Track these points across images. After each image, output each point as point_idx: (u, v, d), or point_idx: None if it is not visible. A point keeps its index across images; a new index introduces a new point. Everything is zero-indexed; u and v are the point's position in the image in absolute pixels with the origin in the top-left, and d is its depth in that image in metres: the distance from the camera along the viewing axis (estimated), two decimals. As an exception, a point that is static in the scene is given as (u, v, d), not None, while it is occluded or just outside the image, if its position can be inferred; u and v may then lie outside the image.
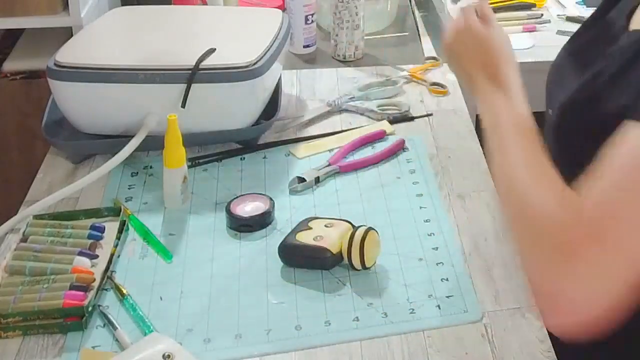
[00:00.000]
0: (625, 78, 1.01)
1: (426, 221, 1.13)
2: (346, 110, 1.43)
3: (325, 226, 1.07)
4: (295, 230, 1.07)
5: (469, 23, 1.17)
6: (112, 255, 1.05)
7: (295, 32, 1.65)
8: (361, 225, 1.04)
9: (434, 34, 1.82)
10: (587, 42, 1.19)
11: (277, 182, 1.22)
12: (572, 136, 1.10)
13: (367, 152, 1.29)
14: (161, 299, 1.00)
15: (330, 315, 0.97)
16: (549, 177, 0.96)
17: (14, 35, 2.06)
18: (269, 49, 1.29)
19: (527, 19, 1.90)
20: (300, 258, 1.04)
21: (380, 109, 1.41)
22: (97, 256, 1.05)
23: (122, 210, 1.13)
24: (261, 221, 1.12)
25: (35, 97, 1.86)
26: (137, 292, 1.01)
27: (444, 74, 1.55)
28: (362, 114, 1.41)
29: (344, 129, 1.37)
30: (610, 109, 1.00)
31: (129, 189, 1.21)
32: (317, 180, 1.22)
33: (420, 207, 1.16)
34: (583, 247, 0.87)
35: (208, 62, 1.23)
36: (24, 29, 2.04)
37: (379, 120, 1.39)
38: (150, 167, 1.26)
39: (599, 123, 0.98)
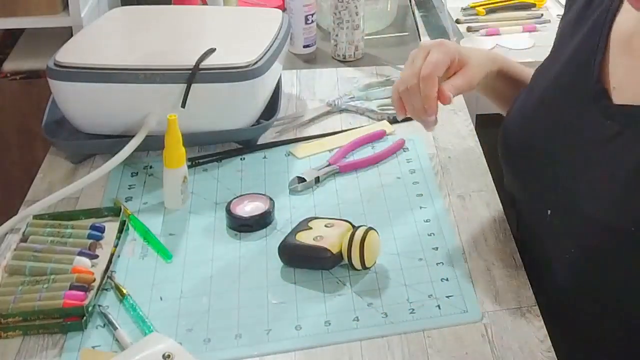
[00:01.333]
0: None
1: (426, 221, 1.13)
2: (346, 110, 1.43)
3: (325, 226, 1.07)
4: (295, 230, 1.06)
5: None
6: (112, 255, 1.06)
7: (295, 32, 1.65)
8: (361, 225, 1.04)
9: (433, 34, 1.82)
10: (563, 108, 1.03)
11: (277, 182, 1.22)
12: None
13: (367, 152, 1.29)
14: (161, 299, 1.00)
15: (330, 315, 0.97)
16: None
17: (14, 35, 2.06)
18: (269, 49, 1.29)
19: (527, 19, 1.90)
20: (300, 258, 1.04)
21: (380, 109, 1.41)
22: (97, 256, 1.05)
23: (122, 210, 1.13)
24: (261, 221, 1.12)
25: (35, 97, 1.86)
26: (137, 292, 1.01)
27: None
28: (362, 114, 1.41)
29: (344, 129, 1.37)
30: None
31: (129, 189, 1.21)
32: (317, 180, 1.22)
33: (420, 207, 1.16)
34: None
35: (208, 62, 1.23)
36: (24, 29, 2.04)
37: (379, 120, 1.39)
38: (150, 167, 1.26)
39: None
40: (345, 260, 1.03)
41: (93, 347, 0.93)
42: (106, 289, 1.01)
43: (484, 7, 1.94)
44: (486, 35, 1.85)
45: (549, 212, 1.02)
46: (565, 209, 0.99)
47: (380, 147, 1.30)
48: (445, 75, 1.06)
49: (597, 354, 1.02)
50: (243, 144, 1.31)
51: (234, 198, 1.15)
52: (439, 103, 1.03)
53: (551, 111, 1.04)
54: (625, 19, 1.00)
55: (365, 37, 1.67)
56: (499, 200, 1.18)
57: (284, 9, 1.64)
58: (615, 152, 0.94)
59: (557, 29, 1.16)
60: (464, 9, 1.95)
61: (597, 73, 0.99)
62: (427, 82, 1.02)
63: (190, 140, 1.21)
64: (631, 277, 0.94)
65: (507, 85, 1.16)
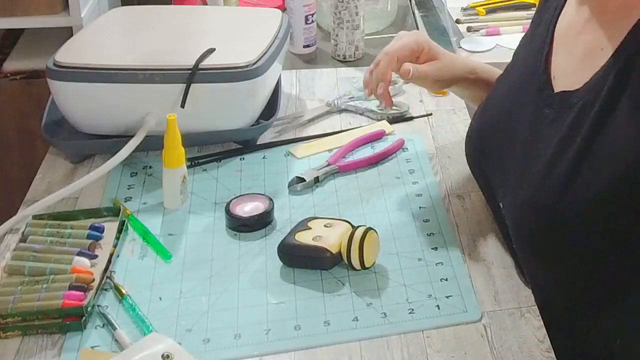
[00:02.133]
0: (601, 143, 0.91)
1: (426, 221, 1.13)
2: (346, 110, 1.42)
3: (325, 226, 1.07)
4: (294, 230, 1.06)
5: None
6: (111, 255, 1.05)
7: (295, 32, 1.65)
8: (360, 225, 1.04)
9: (434, 34, 1.82)
10: (516, 104, 1.06)
11: (276, 182, 1.22)
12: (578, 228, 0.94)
13: (367, 152, 1.29)
14: (160, 299, 1.00)
15: (330, 315, 0.97)
16: None
17: (14, 35, 2.06)
18: (268, 49, 1.29)
19: (527, 19, 1.90)
20: (300, 258, 1.04)
21: (380, 109, 1.41)
22: (96, 256, 1.05)
23: (122, 210, 1.13)
24: (260, 221, 1.12)
25: (35, 97, 1.86)
26: (136, 292, 1.01)
27: (444, 74, 1.55)
28: (361, 114, 1.41)
29: (343, 129, 1.37)
30: (610, 179, 0.90)
31: (128, 189, 1.21)
32: (317, 180, 1.22)
33: (420, 207, 1.16)
34: None
35: (207, 62, 1.23)
36: (24, 29, 2.05)
37: (378, 120, 1.39)
38: (150, 167, 1.26)
39: (598, 203, 0.91)
40: (345, 260, 1.03)
41: (92, 347, 0.93)
42: (105, 289, 1.01)
43: (484, 7, 1.94)
44: (486, 35, 1.85)
45: (501, 205, 1.05)
46: (510, 200, 1.02)
47: (379, 147, 1.30)
48: (415, 62, 1.17)
49: (596, 353, 1.02)
50: (243, 144, 1.30)
51: (234, 198, 1.15)
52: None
53: (507, 109, 1.07)
54: (568, 12, 1.04)
55: (365, 37, 1.67)
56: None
57: (284, 9, 1.64)
58: (547, 136, 0.97)
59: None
60: (464, 9, 1.96)
61: (543, 65, 1.03)
62: (385, 57, 1.15)
63: (190, 140, 1.20)
64: (564, 259, 0.96)
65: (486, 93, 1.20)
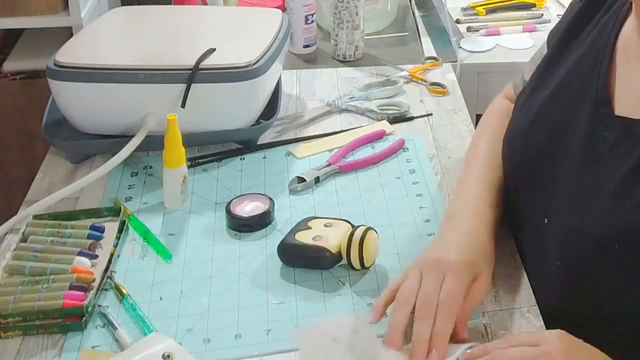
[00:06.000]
0: None
1: (426, 221, 1.13)
2: (346, 110, 1.43)
3: (325, 226, 1.07)
4: (294, 230, 1.06)
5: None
6: (111, 255, 1.06)
7: (295, 32, 1.65)
8: (360, 225, 1.04)
9: (434, 34, 1.82)
10: (564, 115, 1.00)
11: (277, 182, 1.22)
12: None
13: (367, 152, 1.29)
14: (161, 299, 1.00)
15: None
16: None
17: (14, 35, 2.06)
18: (269, 49, 1.29)
19: (527, 19, 1.91)
20: (300, 258, 1.04)
21: (380, 109, 1.41)
22: (96, 256, 1.05)
23: (122, 210, 1.13)
24: (261, 221, 1.12)
25: (35, 97, 1.86)
26: (136, 292, 1.01)
27: (444, 74, 1.55)
28: (362, 114, 1.41)
29: (343, 129, 1.37)
30: None
31: (128, 189, 1.21)
32: (317, 180, 1.22)
33: (420, 207, 1.16)
34: None
35: (208, 62, 1.23)
36: (24, 29, 2.05)
37: (379, 120, 1.39)
38: (150, 167, 1.26)
39: None
40: (345, 260, 1.03)
41: (93, 347, 0.93)
42: (106, 289, 1.01)
43: (484, 7, 1.95)
44: (486, 35, 1.85)
45: (546, 220, 0.99)
46: (560, 219, 0.96)
47: (380, 147, 1.30)
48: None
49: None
50: (243, 144, 1.31)
51: (234, 198, 1.15)
52: None
53: (553, 118, 1.02)
54: (630, 27, 0.98)
55: (365, 37, 1.67)
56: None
57: (284, 9, 1.64)
58: (609, 163, 0.92)
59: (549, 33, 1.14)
60: (464, 9, 1.96)
61: (602, 80, 0.97)
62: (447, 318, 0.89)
63: (190, 140, 1.21)
64: (616, 295, 0.90)
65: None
